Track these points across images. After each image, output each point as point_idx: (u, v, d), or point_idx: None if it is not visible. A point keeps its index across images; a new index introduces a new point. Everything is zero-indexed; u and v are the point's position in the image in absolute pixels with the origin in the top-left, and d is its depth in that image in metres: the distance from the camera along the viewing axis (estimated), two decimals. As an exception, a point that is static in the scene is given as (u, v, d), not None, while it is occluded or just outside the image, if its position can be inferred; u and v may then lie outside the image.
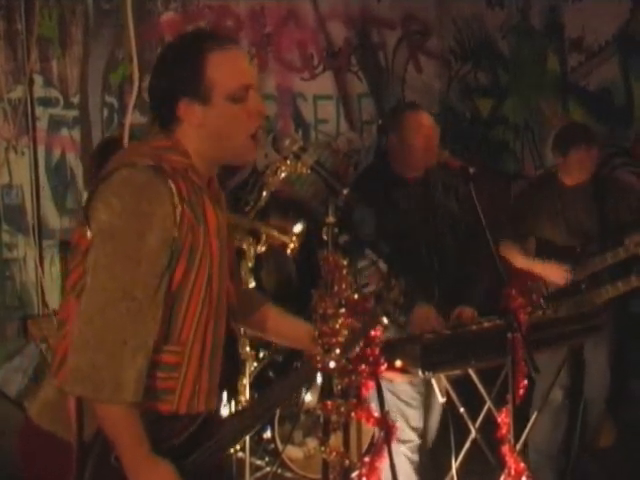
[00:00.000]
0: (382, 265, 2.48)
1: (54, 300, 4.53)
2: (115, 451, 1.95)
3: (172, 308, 1.99)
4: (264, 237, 3.85)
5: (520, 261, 4.26)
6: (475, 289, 3.72)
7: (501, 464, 3.17)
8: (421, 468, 3.69)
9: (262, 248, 3.85)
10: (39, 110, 4.76)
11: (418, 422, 3.61)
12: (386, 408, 2.49)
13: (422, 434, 3.65)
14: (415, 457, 3.62)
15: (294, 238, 3.85)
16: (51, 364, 2.06)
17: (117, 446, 1.94)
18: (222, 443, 2.12)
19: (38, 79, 4.77)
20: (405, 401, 3.55)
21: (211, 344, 2.06)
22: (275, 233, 3.85)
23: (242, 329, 3.73)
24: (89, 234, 1.96)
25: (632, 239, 4.12)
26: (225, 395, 3.88)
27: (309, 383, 2.36)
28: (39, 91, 4.77)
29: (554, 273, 4.23)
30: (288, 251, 3.87)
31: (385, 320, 2.29)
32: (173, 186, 1.94)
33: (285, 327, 2.39)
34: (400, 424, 3.19)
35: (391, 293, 2.33)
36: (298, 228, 3.88)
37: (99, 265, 1.92)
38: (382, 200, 3.57)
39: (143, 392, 1.94)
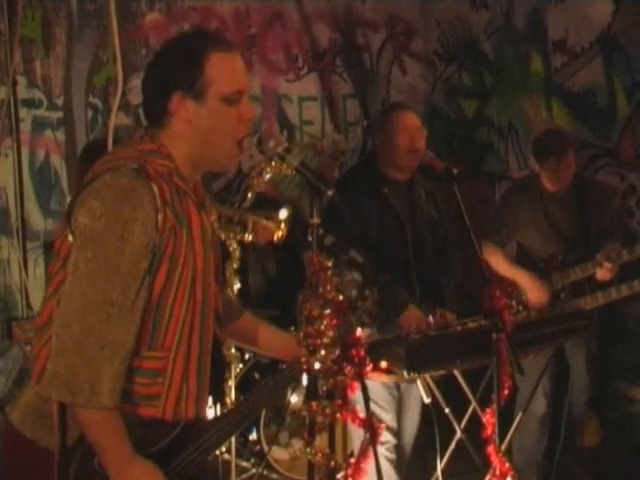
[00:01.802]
0: (357, 275, 2.48)
1: (38, 302, 4.47)
2: (98, 456, 1.93)
3: (155, 313, 1.97)
4: (251, 225, 3.83)
5: (503, 268, 4.16)
6: (453, 293, 3.75)
7: (486, 464, 3.18)
8: (403, 468, 3.70)
9: (249, 237, 3.83)
10: (22, 111, 4.73)
11: (392, 422, 3.62)
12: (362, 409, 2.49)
13: (397, 434, 3.66)
14: (393, 456, 3.63)
15: (281, 225, 3.83)
16: (33, 370, 2.04)
17: (99, 450, 1.92)
18: (207, 446, 2.11)
19: (21, 80, 4.74)
20: (377, 403, 3.54)
21: (198, 349, 2.03)
22: (262, 220, 3.83)
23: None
24: (70, 238, 1.95)
25: (604, 251, 4.05)
26: (210, 398, 3.87)
27: (294, 384, 2.36)
28: (22, 92, 4.74)
29: (535, 291, 4.14)
30: (275, 238, 3.84)
31: (360, 330, 2.30)
32: (156, 189, 1.93)
33: (264, 336, 2.38)
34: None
35: (365, 303, 2.34)
36: (283, 214, 3.86)
37: (79, 269, 1.91)
38: (367, 200, 3.58)
39: (126, 398, 1.93)
